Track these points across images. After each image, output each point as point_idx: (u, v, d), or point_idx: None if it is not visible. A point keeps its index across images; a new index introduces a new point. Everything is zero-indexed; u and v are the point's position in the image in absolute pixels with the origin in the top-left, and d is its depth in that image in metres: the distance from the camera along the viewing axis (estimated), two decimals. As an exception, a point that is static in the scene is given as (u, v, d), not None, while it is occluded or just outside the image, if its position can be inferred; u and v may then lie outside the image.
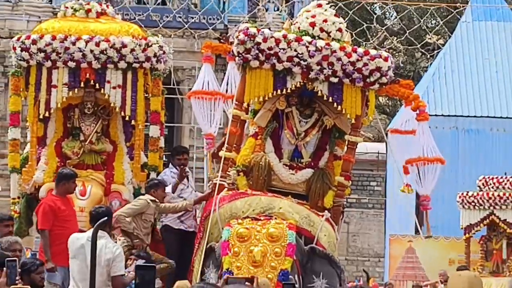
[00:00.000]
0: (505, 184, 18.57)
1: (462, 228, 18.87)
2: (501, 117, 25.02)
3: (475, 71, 25.93)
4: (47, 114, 12.36)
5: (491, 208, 18.37)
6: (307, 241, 10.39)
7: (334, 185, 11.33)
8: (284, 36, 11.17)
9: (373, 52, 11.72)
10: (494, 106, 24.98)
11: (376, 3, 37.50)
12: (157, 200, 11.52)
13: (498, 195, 18.30)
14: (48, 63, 12.22)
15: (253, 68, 11.18)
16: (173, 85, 26.71)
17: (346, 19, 15.45)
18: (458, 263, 20.06)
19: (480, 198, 18.48)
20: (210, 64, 12.97)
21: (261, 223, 10.26)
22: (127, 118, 12.54)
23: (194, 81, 14.49)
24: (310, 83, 11.07)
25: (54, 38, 12.23)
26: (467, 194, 18.45)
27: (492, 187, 18.70)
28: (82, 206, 11.35)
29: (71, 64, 12.19)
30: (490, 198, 18.38)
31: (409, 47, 36.43)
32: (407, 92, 12.49)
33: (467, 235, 18.97)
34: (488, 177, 18.92)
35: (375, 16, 37.60)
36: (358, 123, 11.68)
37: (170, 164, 12.90)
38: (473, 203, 18.51)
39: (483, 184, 18.77)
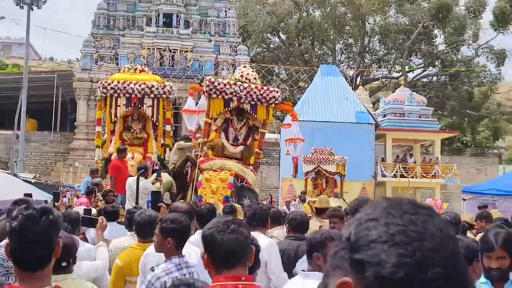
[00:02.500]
0: (325, 152, 18.22)
1: (303, 173, 18.31)
2: (334, 122, 24.50)
3: (322, 100, 25.35)
4: (115, 120, 12.56)
5: (318, 163, 18.09)
6: (242, 181, 10.71)
7: (254, 153, 11.59)
8: (228, 82, 11.41)
9: (271, 89, 12.13)
10: (331, 116, 24.77)
11: (274, 66, 37.58)
12: (188, 144, 12.15)
13: (322, 157, 18.03)
14: (115, 95, 12.36)
15: (213, 98, 11.32)
16: (177, 105, 25.89)
17: (260, 75, 15.57)
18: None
19: (312, 158, 18.19)
20: (192, 97, 12.69)
21: (217, 173, 10.59)
22: (154, 121, 12.66)
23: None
24: (241, 104, 11.27)
25: (118, 82, 12.36)
26: (306, 156, 17.92)
27: (319, 153, 18.31)
28: (132, 164, 11.54)
29: (127, 95, 12.31)
30: (317, 158, 18.11)
31: (291, 88, 36.37)
32: (289, 108, 12.96)
33: (305, 177, 18.64)
34: (317, 148, 18.56)
35: (274, 73, 37.23)
36: (265, 123, 11.95)
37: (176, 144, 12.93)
38: (309, 160, 18.17)
39: (314, 151, 18.38)
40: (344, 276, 0.70)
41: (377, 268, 0.65)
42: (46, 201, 9.35)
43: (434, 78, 41.94)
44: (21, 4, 25.34)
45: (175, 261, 3.24)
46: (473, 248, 3.01)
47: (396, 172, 25.04)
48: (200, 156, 11.18)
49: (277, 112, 23.40)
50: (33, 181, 18.11)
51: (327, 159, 18.18)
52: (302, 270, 3.29)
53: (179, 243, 3.28)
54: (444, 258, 0.67)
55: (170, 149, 13.00)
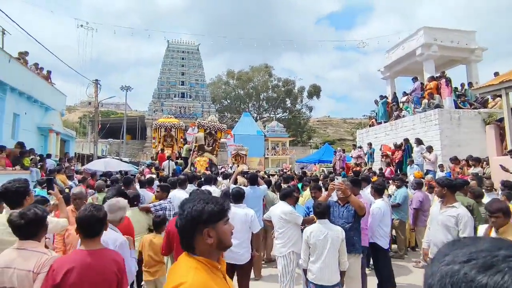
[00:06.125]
0: (241, 147, 16.33)
1: (231, 154, 15.95)
2: (249, 134, 22.95)
3: (244, 126, 24.22)
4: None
5: (237, 150, 15.98)
6: (211, 161, 10.05)
7: (216, 149, 11.01)
8: (207, 122, 11.22)
9: (223, 125, 12.22)
10: (248, 132, 23.27)
11: (225, 113, 36.12)
12: (188, 146, 10.54)
13: (239, 147, 16.26)
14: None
15: (200, 128, 11.07)
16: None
17: (219, 119, 15.20)
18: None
19: (237, 147, 15.93)
20: (192, 127, 12.08)
21: (202, 157, 9.74)
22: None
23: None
24: (211, 130, 11.03)
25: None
26: (235, 147, 15.88)
27: (239, 147, 16.21)
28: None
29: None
30: (239, 148, 16.01)
31: (231, 122, 33.42)
32: (229, 132, 13.62)
33: (232, 155, 15.86)
34: (237, 144, 16.43)
35: (226, 117, 35.71)
36: (220, 137, 11.46)
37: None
38: (235, 148, 15.78)
39: (236, 146, 16.09)
40: None
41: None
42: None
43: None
44: (123, 90, 24.86)
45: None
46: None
47: (273, 154, 24.99)
48: (195, 151, 10.34)
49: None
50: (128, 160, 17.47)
51: (241, 148, 17.18)
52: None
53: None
54: (214, 201, 0.88)
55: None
